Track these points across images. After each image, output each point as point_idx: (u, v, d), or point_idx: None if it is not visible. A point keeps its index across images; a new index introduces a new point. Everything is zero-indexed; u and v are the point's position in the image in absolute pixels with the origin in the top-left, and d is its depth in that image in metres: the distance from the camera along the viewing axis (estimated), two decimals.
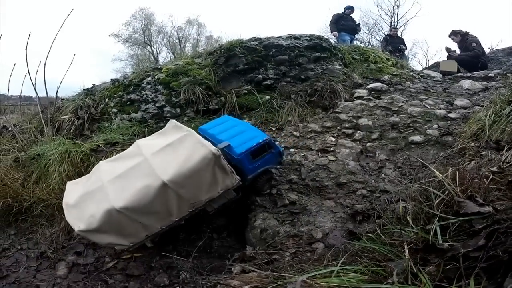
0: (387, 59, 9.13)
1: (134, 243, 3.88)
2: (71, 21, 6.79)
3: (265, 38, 7.48)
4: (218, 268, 3.75)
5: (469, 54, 10.74)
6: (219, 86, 6.85)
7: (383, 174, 4.53)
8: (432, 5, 56.79)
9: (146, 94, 6.70)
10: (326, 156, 5.04)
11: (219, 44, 7.93)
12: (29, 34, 6.59)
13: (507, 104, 4.33)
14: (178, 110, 6.58)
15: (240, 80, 7.00)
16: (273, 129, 6.01)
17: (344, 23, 13.72)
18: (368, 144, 5.21)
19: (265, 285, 2.04)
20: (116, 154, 5.44)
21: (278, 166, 4.95)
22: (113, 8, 64.86)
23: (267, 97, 6.72)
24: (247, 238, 4.20)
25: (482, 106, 5.20)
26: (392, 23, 34.34)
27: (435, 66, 12.52)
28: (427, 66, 17.04)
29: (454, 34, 11.51)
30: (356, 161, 4.90)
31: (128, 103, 6.79)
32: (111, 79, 7.45)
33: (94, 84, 7.64)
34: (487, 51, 12.42)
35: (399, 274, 1.86)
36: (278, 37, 7.50)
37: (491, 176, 2.57)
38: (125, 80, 7.10)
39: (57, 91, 7.11)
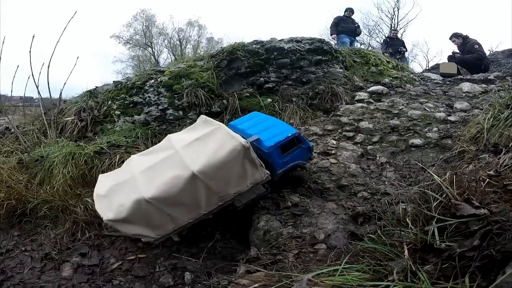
0: (388, 62, 9.19)
1: (161, 235, 3.91)
2: (73, 22, 6.85)
3: (266, 41, 7.55)
4: (222, 269, 3.80)
5: (473, 56, 10.78)
6: (221, 89, 6.90)
7: (383, 177, 4.58)
8: (432, 7, 56.84)
9: (149, 96, 6.75)
10: (328, 159, 5.09)
11: (221, 47, 8.00)
12: (33, 37, 6.65)
13: (506, 108, 4.38)
14: (180, 112, 6.62)
15: (242, 83, 7.05)
16: None
17: (344, 25, 13.77)
18: (369, 147, 5.27)
19: (272, 283, 2.10)
20: (119, 156, 5.51)
21: (307, 162, 4.91)
22: (115, 10, 64.94)
23: (269, 100, 6.78)
24: (250, 239, 4.22)
25: (482, 109, 5.26)
26: (392, 25, 34.45)
27: (435, 68, 12.56)
28: (427, 68, 17.07)
29: (455, 36, 11.53)
30: (357, 164, 4.96)
31: (131, 105, 6.82)
32: (114, 81, 7.49)
33: (96, 86, 7.67)
34: (487, 53, 12.47)
35: (399, 273, 1.93)
36: (279, 40, 7.56)
37: (488, 179, 2.63)
38: (128, 83, 7.13)
39: (60, 93, 7.16)
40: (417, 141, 5.12)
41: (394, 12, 35.21)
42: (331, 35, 14.17)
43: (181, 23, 46.38)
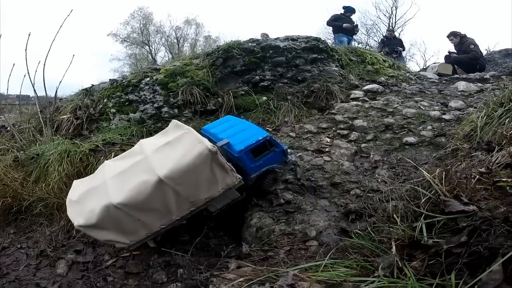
0: (384, 61, 9.18)
1: (135, 241, 3.88)
2: (69, 20, 6.85)
3: (262, 39, 7.56)
4: (214, 265, 3.80)
5: (468, 56, 10.80)
6: (216, 87, 6.92)
7: (376, 174, 4.59)
8: (430, 6, 56.86)
9: (144, 94, 6.77)
10: (322, 157, 5.10)
11: (217, 45, 8.02)
12: (29, 35, 6.65)
13: (500, 106, 4.39)
14: (176, 110, 6.64)
15: (238, 81, 7.07)
16: (270, 129, 6.05)
17: (341, 23, 13.70)
18: (363, 145, 5.28)
19: (257, 278, 2.11)
20: (114, 154, 5.52)
21: (281, 166, 4.86)
22: (112, 8, 64.83)
23: (264, 98, 6.79)
24: (243, 236, 4.24)
25: (476, 107, 5.27)
26: (390, 24, 34.45)
27: (425, 69, 12.62)
28: (424, 67, 17.11)
29: (453, 35, 11.55)
30: (351, 162, 4.97)
31: (126, 103, 6.84)
32: (110, 79, 7.50)
33: (92, 84, 7.67)
34: (484, 52, 12.49)
35: (384, 268, 1.94)
36: (275, 39, 7.58)
37: (478, 176, 2.65)
38: (124, 81, 7.16)
39: (56, 91, 7.16)
40: (411, 139, 5.13)
41: (392, 11, 35.23)
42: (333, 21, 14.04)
43: (179, 21, 46.48)
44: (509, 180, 2.43)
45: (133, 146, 5.58)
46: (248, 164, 4.28)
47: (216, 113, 6.64)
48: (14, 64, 6.86)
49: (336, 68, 7.53)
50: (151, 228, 3.86)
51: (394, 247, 2.10)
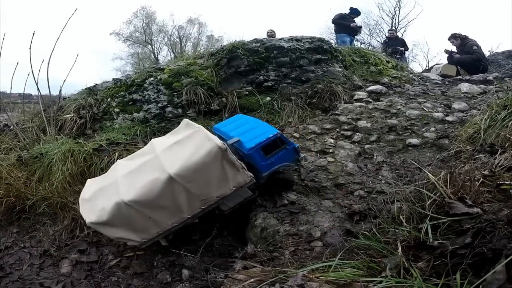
0: (387, 61, 9.19)
1: (146, 239, 3.91)
2: (73, 19, 6.87)
3: (266, 39, 7.57)
4: (219, 265, 3.82)
5: (472, 57, 10.78)
6: (220, 87, 6.93)
7: (380, 176, 4.60)
8: (433, 7, 56.78)
9: (148, 94, 6.78)
10: (325, 158, 5.11)
11: (221, 45, 8.01)
12: (33, 34, 6.67)
13: (503, 109, 4.39)
14: (180, 110, 6.65)
15: (242, 81, 7.08)
16: None
17: (346, 23, 13.69)
18: (366, 146, 5.28)
19: (267, 279, 2.13)
20: (118, 153, 5.54)
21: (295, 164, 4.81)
22: (115, 7, 64.86)
23: (268, 98, 6.81)
24: (247, 237, 4.25)
25: (479, 110, 5.27)
26: (393, 25, 34.42)
27: (429, 70, 12.62)
28: (427, 68, 17.09)
29: (454, 37, 11.54)
30: (355, 163, 4.98)
31: (130, 103, 6.86)
32: (113, 79, 7.51)
33: (96, 84, 7.69)
34: (487, 54, 12.49)
35: (392, 269, 1.96)
36: (279, 39, 7.58)
37: (482, 179, 2.66)
38: (127, 80, 7.17)
39: (60, 90, 7.19)
40: (414, 140, 5.14)
41: (395, 11, 35.18)
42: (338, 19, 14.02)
43: (182, 21, 46.62)
44: None
45: (137, 145, 5.62)
46: (260, 162, 4.26)
47: (220, 113, 6.66)
48: (18, 63, 6.89)
49: (340, 69, 7.53)
50: (163, 226, 3.88)
51: (400, 248, 2.12)
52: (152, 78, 6.94)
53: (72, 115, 6.75)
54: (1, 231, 4.93)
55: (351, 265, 2.26)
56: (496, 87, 6.76)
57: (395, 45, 13.70)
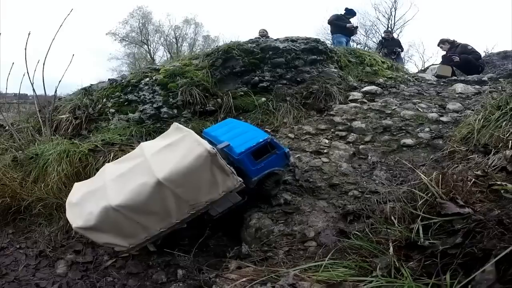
0: (383, 62, 9.22)
1: (134, 244, 3.85)
2: (69, 19, 6.86)
3: (262, 40, 7.59)
4: (214, 265, 3.82)
5: (474, 56, 10.82)
6: (216, 87, 6.93)
7: (374, 176, 4.61)
8: (429, 8, 56.97)
9: (143, 94, 6.78)
10: (320, 158, 5.12)
11: (216, 46, 8.03)
12: (29, 34, 6.66)
13: (497, 109, 4.42)
14: (175, 111, 6.65)
15: (237, 82, 7.10)
16: (269, 130, 6.07)
17: (342, 24, 13.72)
18: (361, 147, 5.30)
19: (260, 278, 2.14)
20: (114, 154, 5.53)
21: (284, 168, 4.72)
22: (111, 7, 64.76)
23: (263, 99, 6.82)
24: (242, 237, 4.25)
25: (474, 110, 5.30)
26: (389, 26, 34.52)
27: (424, 70, 12.66)
28: (422, 68, 17.15)
29: (442, 42, 11.65)
30: (349, 163, 5.00)
31: (125, 103, 6.86)
32: (109, 79, 7.51)
33: (91, 84, 7.67)
34: (482, 54, 12.54)
35: (382, 269, 1.98)
36: (275, 40, 7.60)
37: (474, 179, 2.68)
38: (123, 81, 7.17)
39: (55, 91, 7.17)
40: (408, 141, 5.16)
41: (391, 12, 35.30)
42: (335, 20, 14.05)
43: (178, 21, 46.46)
44: (504, 183, 2.46)
45: (132, 146, 5.61)
46: (249, 166, 4.22)
47: (216, 113, 6.67)
48: (13, 63, 6.87)
49: (335, 70, 7.56)
50: (151, 231, 3.83)
51: (391, 248, 2.14)
52: (147, 79, 6.94)
53: (67, 115, 6.74)
54: None
55: (343, 265, 2.27)
56: (490, 88, 6.80)
57: (391, 46, 13.76)
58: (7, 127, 6.99)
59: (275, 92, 6.94)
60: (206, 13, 75.04)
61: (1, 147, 6.25)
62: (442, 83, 7.89)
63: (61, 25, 6.86)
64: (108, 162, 5.24)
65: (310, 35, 7.99)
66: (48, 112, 6.81)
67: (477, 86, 7.16)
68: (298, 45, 7.43)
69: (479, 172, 2.89)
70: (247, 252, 3.70)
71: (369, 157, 5.04)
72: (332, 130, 5.84)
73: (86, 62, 60.71)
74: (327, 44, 8.30)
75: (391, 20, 35.49)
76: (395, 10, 35.30)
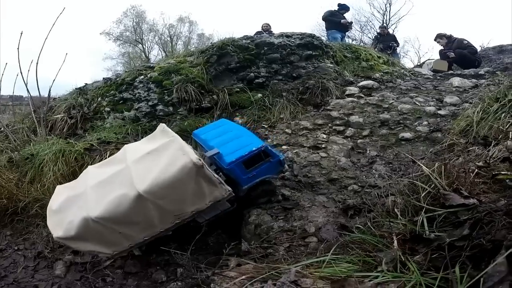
0: (378, 57, 9.24)
1: (118, 251, 3.77)
2: (63, 19, 6.82)
3: (257, 36, 7.57)
4: (214, 263, 3.76)
5: (470, 51, 10.84)
6: (211, 84, 6.91)
7: (373, 170, 4.59)
8: (424, 3, 57.04)
9: (138, 92, 6.75)
10: (318, 153, 5.10)
11: (211, 43, 8.01)
12: (21, 33, 6.61)
13: (495, 101, 4.41)
14: (170, 108, 6.64)
15: (232, 78, 7.09)
16: (265, 126, 6.07)
17: (336, 19, 13.70)
18: (359, 141, 5.28)
19: (260, 275, 2.10)
20: (110, 153, 5.50)
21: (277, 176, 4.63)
22: (105, 6, 64.49)
23: (259, 95, 6.80)
24: (242, 234, 4.21)
25: (471, 103, 5.29)
26: (384, 21, 34.51)
27: (420, 65, 12.68)
28: (418, 64, 17.17)
29: (440, 37, 11.65)
30: (347, 157, 4.97)
31: (120, 101, 6.84)
32: (104, 78, 7.49)
33: (86, 83, 7.65)
34: (478, 49, 12.56)
35: (388, 263, 1.94)
36: (270, 36, 7.58)
37: (476, 170, 2.65)
38: (118, 79, 7.15)
39: (49, 90, 7.12)
40: (407, 134, 5.14)
41: (386, 8, 35.27)
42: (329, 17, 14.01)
43: (172, 19, 46.30)
44: (509, 173, 2.44)
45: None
46: (240, 175, 4.06)
47: (211, 110, 6.66)
48: (6, 64, 6.83)
49: (331, 65, 7.56)
50: (134, 239, 3.73)
51: (395, 242, 2.10)
52: (142, 77, 6.92)
53: (62, 115, 6.70)
54: None
55: (346, 260, 2.23)
56: (488, 81, 6.79)
57: (386, 41, 13.77)
58: (2, 128, 6.95)
59: (271, 88, 6.92)
60: (200, 11, 74.76)
61: None
62: (438, 77, 7.89)
63: (54, 24, 6.81)
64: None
65: (305, 31, 7.96)
66: (43, 112, 6.77)
67: (474, 80, 7.16)
68: (293, 40, 7.41)
69: (481, 163, 2.86)
70: (247, 249, 3.67)
71: (368, 151, 5.01)
72: (329, 125, 5.82)
73: (81, 62, 60.50)
74: (322, 40, 8.28)
75: (386, 16, 35.47)
76: (390, 6, 35.26)
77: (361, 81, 7.32)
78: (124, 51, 43.57)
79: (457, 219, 2.06)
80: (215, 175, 3.70)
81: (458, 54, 10.71)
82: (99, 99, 6.97)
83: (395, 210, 2.61)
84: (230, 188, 3.80)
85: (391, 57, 10.46)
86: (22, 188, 5.20)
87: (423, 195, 2.47)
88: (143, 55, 42.74)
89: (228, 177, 4.01)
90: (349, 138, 5.41)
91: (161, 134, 4.19)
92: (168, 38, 44.29)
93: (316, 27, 30.73)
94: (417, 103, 5.98)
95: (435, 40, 11.85)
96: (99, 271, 4.23)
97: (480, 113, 4.40)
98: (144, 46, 43.88)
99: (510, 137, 3.50)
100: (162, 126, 4.31)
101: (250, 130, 5.33)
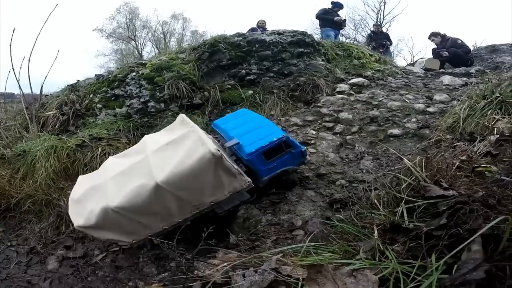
0: (370, 55, 9.28)
1: (137, 240, 3.81)
2: (56, 16, 6.83)
3: (248, 33, 7.61)
4: (202, 255, 3.82)
5: (464, 50, 10.90)
6: (202, 81, 6.96)
7: (361, 165, 4.64)
8: (418, 2, 57.19)
9: (130, 89, 6.78)
10: (307, 149, 5.13)
11: (203, 40, 8.05)
12: (13, 30, 6.62)
13: (482, 99, 4.48)
14: (162, 105, 6.67)
15: (224, 75, 7.12)
16: None
17: (329, 17, 13.72)
18: (348, 137, 5.34)
19: (243, 263, 2.15)
20: (101, 149, 5.53)
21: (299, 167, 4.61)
22: (98, 3, 64.27)
23: (250, 92, 6.86)
24: (231, 227, 4.22)
25: (460, 100, 5.36)
26: (378, 20, 34.55)
27: (413, 64, 12.74)
28: (411, 62, 17.23)
29: (434, 35, 11.68)
30: (336, 153, 5.03)
31: (112, 98, 6.86)
32: (95, 75, 7.51)
33: (78, 80, 7.68)
34: (471, 48, 12.64)
35: (366, 252, 2.00)
36: (261, 33, 7.64)
37: (458, 163, 2.71)
38: (110, 76, 7.18)
39: (41, 87, 7.13)
40: (395, 131, 5.21)
41: (380, 6, 35.32)
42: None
43: (165, 16, 46.14)
44: (488, 165, 2.50)
45: (120, 140, 5.60)
46: (260, 166, 4.05)
47: (202, 107, 6.70)
48: None
49: (322, 62, 7.61)
50: (153, 229, 3.76)
51: (376, 232, 2.15)
52: (134, 73, 6.95)
53: (54, 112, 6.71)
54: None
55: (329, 250, 2.28)
56: (477, 79, 6.87)
57: (380, 40, 13.81)
58: None
59: (262, 84, 6.97)
60: (194, 8, 74.45)
61: None
62: (429, 76, 7.98)
63: (46, 21, 6.83)
64: (96, 157, 5.27)
65: (298, 29, 8.00)
66: (34, 109, 6.78)
67: (464, 78, 7.26)
68: (285, 38, 7.46)
69: (464, 157, 2.92)
70: (235, 242, 3.70)
71: (356, 147, 5.07)
72: (319, 121, 5.88)
73: (73, 59, 60.13)
74: (314, 37, 8.33)
75: (380, 14, 35.51)
76: (384, 4, 35.30)
77: (352, 78, 7.39)
78: (117, 48, 43.33)
79: (436, 209, 2.11)
80: (235, 166, 3.74)
81: (452, 52, 10.76)
82: (91, 95, 6.99)
83: (377, 202, 2.66)
84: (249, 179, 3.81)
85: (383, 56, 10.50)
86: (14, 185, 5.22)
87: (403, 186, 2.53)
88: (136, 52, 42.52)
89: (248, 168, 4.02)
90: (338, 134, 5.47)
91: (180, 125, 4.20)
92: (162, 35, 44.11)
93: (310, 25, 30.74)
94: (406, 100, 6.04)
95: (429, 38, 11.88)
96: (91, 265, 4.24)
97: (467, 110, 4.48)
98: (137, 43, 43.67)
99: (495, 132, 3.57)
100: (181, 116, 4.33)
101: None
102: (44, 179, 5.14)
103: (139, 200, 3.50)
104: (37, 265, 4.35)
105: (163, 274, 3.71)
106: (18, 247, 4.64)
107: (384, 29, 22.51)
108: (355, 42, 26.83)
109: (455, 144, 3.95)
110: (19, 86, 6.92)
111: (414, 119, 5.41)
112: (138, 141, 4.73)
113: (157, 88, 6.70)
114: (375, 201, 2.72)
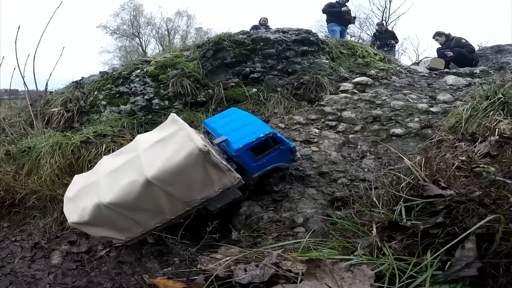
0: (375, 54, 9.25)
1: (131, 238, 3.91)
2: (60, 13, 6.86)
3: (253, 31, 7.62)
4: (204, 250, 3.85)
5: (468, 50, 10.86)
6: (207, 79, 6.98)
7: (363, 164, 4.66)
8: (424, 1, 56.92)
9: (134, 86, 6.81)
10: (310, 147, 5.17)
11: (207, 37, 8.05)
12: (18, 27, 6.66)
13: (485, 99, 4.49)
14: (166, 102, 6.70)
15: (228, 73, 7.14)
16: None
17: (336, 10, 13.36)
18: (350, 136, 5.36)
19: (245, 258, 2.19)
20: (106, 146, 5.56)
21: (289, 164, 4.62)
22: (102, 0, 64.32)
23: (254, 89, 6.87)
24: (233, 224, 4.26)
25: (463, 100, 5.36)
26: (384, 18, 34.42)
27: (418, 63, 12.70)
28: (416, 61, 17.18)
29: (438, 35, 11.62)
30: (338, 152, 5.05)
31: (117, 95, 6.89)
32: (100, 72, 7.53)
33: (83, 77, 7.71)
34: (476, 48, 12.59)
35: (364, 248, 2.03)
36: (266, 31, 7.63)
37: (457, 164, 2.74)
38: (114, 73, 7.21)
39: (46, 84, 7.18)
40: (398, 130, 5.21)
41: (385, 5, 35.17)
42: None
43: (170, 13, 46.08)
44: (486, 166, 2.53)
45: (124, 137, 5.63)
46: (249, 163, 4.10)
47: (206, 104, 6.73)
48: (3, 57, 6.88)
49: (327, 61, 7.60)
50: (145, 226, 3.86)
51: (374, 229, 2.19)
52: (138, 71, 6.98)
53: (59, 108, 6.75)
54: None
55: (329, 246, 2.32)
56: (481, 80, 6.86)
57: (385, 38, 13.70)
58: None
59: (266, 83, 6.98)
60: (198, 5, 74.39)
61: None
62: (434, 75, 7.94)
63: (51, 18, 6.87)
64: (101, 153, 5.30)
65: (303, 27, 8.01)
66: (39, 106, 6.82)
67: (468, 78, 7.23)
68: (289, 36, 7.46)
69: (463, 158, 2.95)
70: (237, 238, 3.74)
71: (359, 146, 5.09)
72: (322, 120, 5.90)
73: (77, 56, 60.23)
74: (319, 36, 8.33)
75: (386, 13, 35.37)
76: (389, 3, 35.14)
77: (356, 77, 7.37)
78: (120, 44, 43.29)
79: (434, 208, 2.14)
80: (223, 162, 3.79)
81: (456, 52, 10.72)
82: (96, 92, 7.03)
83: (377, 201, 2.69)
84: (239, 176, 3.87)
85: (387, 54, 10.48)
86: (19, 181, 5.28)
87: (402, 185, 2.56)
88: (140, 49, 42.49)
89: (238, 165, 4.07)
90: (341, 133, 5.48)
91: (171, 123, 4.27)
92: (166, 32, 44.06)
93: (315, 23, 30.69)
94: (410, 100, 6.04)
95: (433, 37, 11.83)
96: (94, 260, 4.28)
97: (470, 110, 4.49)
98: (141, 40, 43.64)
99: (496, 133, 3.59)
100: (172, 115, 4.39)
101: None
102: (49, 175, 5.19)
103: (130, 196, 3.59)
104: (41, 260, 4.39)
105: (166, 269, 3.75)
106: (22, 242, 4.68)
107: (389, 27, 22.41)
108: (360, 40, 26.78)
109: (456, 144, 3.97)
110: (24, 83, 6.98)
111: (417, 119, 5.41)
112: None
113: (162, 85, 6.73)
114: (375, 199, 2.74)
